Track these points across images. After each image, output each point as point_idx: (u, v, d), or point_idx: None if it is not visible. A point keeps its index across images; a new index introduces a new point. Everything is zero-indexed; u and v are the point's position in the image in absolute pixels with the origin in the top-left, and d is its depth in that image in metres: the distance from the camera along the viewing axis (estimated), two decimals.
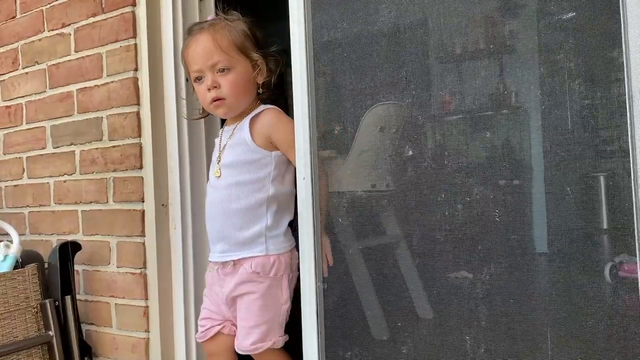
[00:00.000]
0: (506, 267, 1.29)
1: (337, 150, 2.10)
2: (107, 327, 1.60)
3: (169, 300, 1.53)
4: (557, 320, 1.23)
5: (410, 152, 1.44)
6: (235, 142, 1.29)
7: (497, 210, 1.27)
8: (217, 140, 1.40)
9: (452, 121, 1.41)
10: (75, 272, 1.60)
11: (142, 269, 1.53)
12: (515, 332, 1.30)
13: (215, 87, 1.26)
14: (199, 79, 1.30)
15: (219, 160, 1.32)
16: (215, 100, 1.27)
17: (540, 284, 1.32)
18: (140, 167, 1.54)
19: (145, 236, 1.53)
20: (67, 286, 1.54)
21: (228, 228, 1.28)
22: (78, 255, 1.60)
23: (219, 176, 1.31)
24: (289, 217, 1.35)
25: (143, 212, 1.54)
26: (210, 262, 1.36)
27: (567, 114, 1.18)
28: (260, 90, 1.31)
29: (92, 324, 1.64)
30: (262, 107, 1.31)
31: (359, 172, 2.19)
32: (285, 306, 1.30)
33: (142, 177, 1.54)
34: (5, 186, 1.91)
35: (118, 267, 1.58)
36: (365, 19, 1.49)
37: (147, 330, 1.53)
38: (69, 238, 1.67)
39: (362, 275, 2.30)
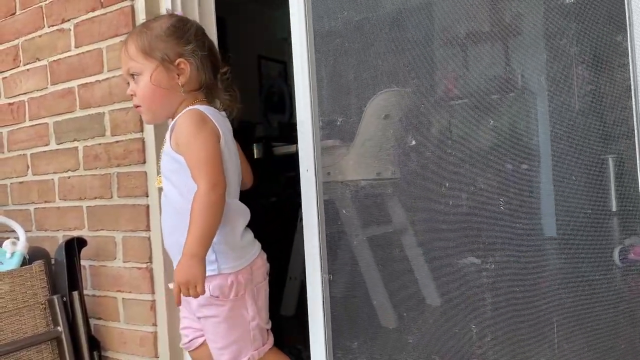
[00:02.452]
0: (514, 252, 1.28)
1: (341, 140, 2.08)
2: (115, 321, 1.61)
3: None
4: (565, 304, 1.22)
5: (414, 141, 1.43)
6: (165, 147, 1.19)
7: (503, 196, 1.26)
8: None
9: (456, 107, 1.39)
10: (81, 268, 1.61)
11: (148, 263, 1.53)
12: (523, 318, 1.29)
13: (132, 94, 1.19)
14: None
15: (159, 169, 1.22)
16: (136, 107, 1.20)
17: (548, 268, 1.31)
18: (144, 162, 1.54)
19: (150, 230, 1.53)
20: (74, 282, 1.54)
21: (174, 245, 1.18)
22: (84, 251, 1.61)
23: (160, 184, 1.21)
24: (239, 228, 1.21)
25: (147, 206, 1.54)
26: None
27: (574, 98, 1.17)
28: (182, 90, 1.16)
29: (100, 318, 1.65)
30: (186, 109, 1.16)
31: (363, 161, 2.18)
32: (254, 322, 1.21)
33: (145, 172, 1.54)
34: (11, 183, 1.91)
35: (124, 262, 1.58)
36: (366, 6, 1.47)
37: (155, 324, 1.53)
38: (75, 234, 1.67)
39: (368, 264, 2.30)
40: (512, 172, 1.26)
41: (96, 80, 1.64)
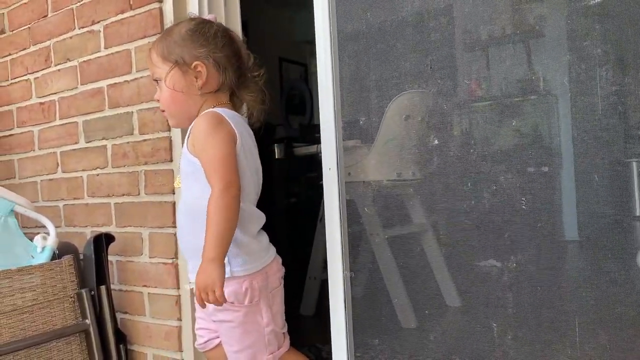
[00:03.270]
0: (535, 253, 1.29)
1: (362, 140, 2.10)
2: (141, 315, 1.65)
3: None
4: (586, 306, 1.22)
5: (436, 141, 1.44)
6: (183, 150, 1.20)
7: (525, 196, 1.27)
8: None
9: (478, 109, 1.41)
10: (109, 263, 1.65)
11: (174, 259, 1.57)
12: (544, 318, 1.30)
13: (158, 99, 1.22)
14: None
15: (178, 170, 1.24)
16: (162, 112, 1.23)
17: (570, 270, 1.31)
18: (171, 160, 1.58)
19: (176, 227, 1.56)
20: (102, 276, 1.59)
21: (188, 245, 1.21)
22: (111, 247, 1.65)
23: (179, 186, 1.23)
24: (253, 231, 1.20)
25: (174, 203, 1.57)
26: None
27: (597, 100, 1.17)
28: (199, 92, 1.17)
29: (126, 312, 1.69)
30: (202, 114, 1.17)
31: (385, 161, 2.19)
32: (268, 328, 1.20)
33: (172, 170, 1.58)
34: (41, 180, 1.97)
35: (150, 258, 1.62)
36: (390, 8, 1.49)
37: (179, 319, 1.57)
38: (103, 230, 1.72)
39: (389, 264, 2.31)
40: (534, 174, 1.27)
41: (125, 81, 1.68)
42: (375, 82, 1.61)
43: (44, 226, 1.61)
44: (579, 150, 1.23)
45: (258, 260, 1.19)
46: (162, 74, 1.17)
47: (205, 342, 1.29)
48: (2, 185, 1.68)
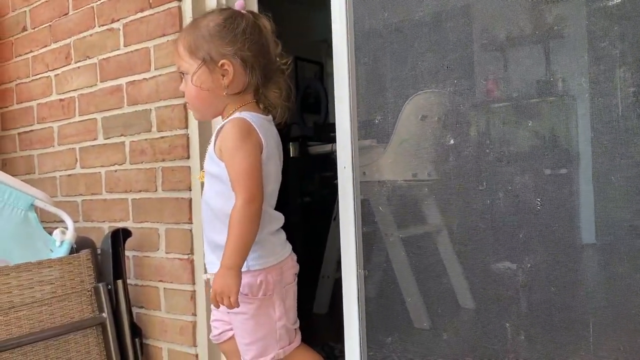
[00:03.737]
0: (551, 255, 1.28)
1: (378, 139, 2.10)
2: (157, 310, 1.67)
3: None
4: (601, 309, 1.21)
5: (452, 141, 1.44)
6: (209, 149, 1.19)
7: (541, 199, 1.26)
8: None
9: (495, 109, 1.40)
10: (125, 258, 1.67)
11: (190, 255, 1.59)
12: (558, 320, 1.29)
13: (184, 92, 1.22)
14: None
15: (203, 166, 1.24)
16: (186, 104, 1.25)
17: (585, 273, 1.30)
18: (188, 157, 1.60)
19: (192, 223, 1.58)
20: (119, 271, 1.61)
21: (205, 238, 1.23)
22: (128, 242, 1.67)
23: (202, 180, 1.23)
24: (271, 230, 1.22)
25: (190, 200, 1.59)
26: None
27: (616, 101, 1.16)
28: (225, 93, 1.15)
29: (142, 307, 1.71)
30: (234, 115, 1.16)
31: (400, 161, 2.19)
32: (280, 322, 1.22)
33: (189, 167, 1.59)
34: (60, 176, 2.00)
35: (166, 253, 1.64)
36: (407, 7, 1.49)
37: (194, 314, 1.58)
38: (120, 225, 1.74)
39: (402, 263, 2.31)
40: (550, 176, 1.26)
41: (143, 78, 1.70)
42: (392, 81, 1.61)
43: (62, 221, 1.63)
44: (597, 152, 1.22)
45: (274, 255, 1.21)
46: (189, 68, 1.16)
47: (220, 334, 1.31)
48: (23, 180, 1.71)
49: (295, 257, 1.31)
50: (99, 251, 1.65)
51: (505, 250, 1.44)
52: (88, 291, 1.55)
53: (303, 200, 3.57)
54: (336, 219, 2.89)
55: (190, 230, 1.59)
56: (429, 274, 2.26)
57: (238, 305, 1.10)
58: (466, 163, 1.42)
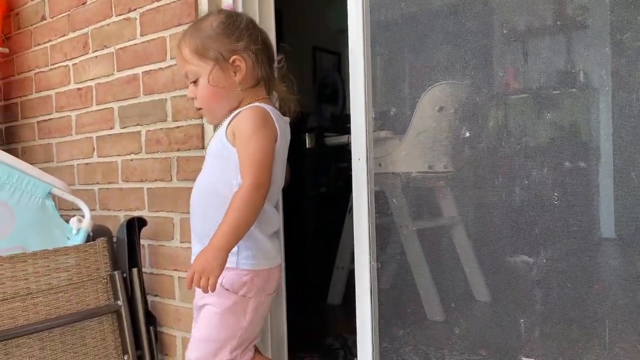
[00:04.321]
0: (567, 250, 1.26)
1: (394, 131, 2.08)
2: (171, 298, 1.68)
3: None
4: (618, 306, 1.19)
5: (469, 133, 1.42)
6: (217, 134, 1.20)
7: (558, 193, 1.24)
8: None
9: (513, 101, 1.38)
10: (141, 246, 1.69)
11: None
12: (573, 317, 1.27)
13: (193, 97, 1.20)
14: None
15: (207, 149, 1.25)
16: (199, 109, 1.22)
17: (603, 269, 1.28)
18: (202, 147, 1.60)
19: None
20: (134, 259, 1.62)
21: (195, 224, 1.21)
22: (144, 231, 1.69)
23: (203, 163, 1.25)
24: (268, 231, 1.19)
25: None
26: None
27: (638, 95, 1.13)
28: (239, 88, 1.16)
29: (156, 295, 1.73)
30: (252, 104, 1.16)
31: (416, 152, 2.17)
32: (244, 330, 1.17)
33: (203, 157, 1.59)
34: (77, 164, 2.02)
35: (181, 242, 1.65)
36: None
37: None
38: (136, 214, 1.76)
39: (417, 256, 2.30)
40: (569, 170, 1.24)
41: (159, 68, 1.71)
42: (409, 72, 1.60)
43: (79, 209, 1.65)
44: (617, 146, 1.20)
45: (266, 259, 1.18)
46: (200, 71, 1.15)
47: None
48: (41, 168, 1.73)
49: (281, 271, 1.30)
50: (114, 239, 1.66)
51: (521, 244, 1.42)
52: (104, 279, 1.56)
53: (319, 191, 3.57)
54: (351, 211, 2.89)
55: None
56: (443, 266, 2.25)
57: (214, 289, 1.05)
58: (483, 155, 1.40)
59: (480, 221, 1.77)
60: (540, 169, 1.26)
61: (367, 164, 1.37)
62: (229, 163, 1.12)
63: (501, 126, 1.43)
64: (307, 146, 3.03)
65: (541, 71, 1.32)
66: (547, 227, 1.28)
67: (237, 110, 1.16)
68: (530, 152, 1.28)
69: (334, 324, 2.82)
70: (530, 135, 1.30)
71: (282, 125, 1.18)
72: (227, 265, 1.09)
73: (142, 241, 1.70)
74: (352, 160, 1.40)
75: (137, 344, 1.57)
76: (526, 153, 1.29)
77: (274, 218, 1.22)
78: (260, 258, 1.16)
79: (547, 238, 1.29)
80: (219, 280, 1.10)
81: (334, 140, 3.02)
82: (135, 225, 1.65)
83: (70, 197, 1.66)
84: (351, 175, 1.54)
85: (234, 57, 1.14)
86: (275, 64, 1.26)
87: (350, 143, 1.52)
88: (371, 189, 1.37)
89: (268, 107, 1.16)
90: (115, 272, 1.57)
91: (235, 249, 1.11)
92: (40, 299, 1.43)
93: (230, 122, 1.15)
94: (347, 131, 2.83)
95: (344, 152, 2.83)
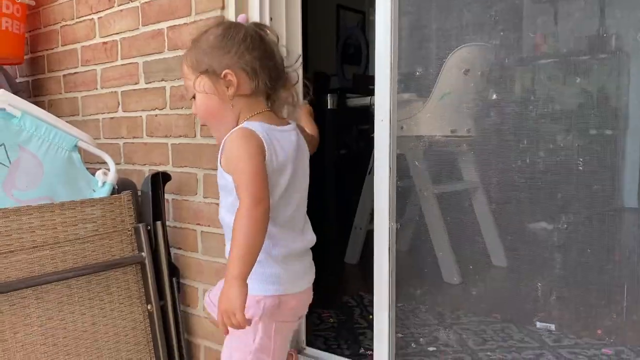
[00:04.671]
0: (588, 217, 1.26)
1: (418, 93, 2.06)
2: (194, 252, 1.73)
3: None
4: (637, 273, 1.19)
5: (495, 96, 1.40)
6: (218, 164, 1.14)
7: (583, 159, 1.23)
8: None
9: (542, 65, 1.35)
10: (165, 201, 1.72)
11: None
12: (591, 282, 1.28)
13: (196, 114, 1.18)
14: None
15: None
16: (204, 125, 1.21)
17: (625, 237, 1.28)
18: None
19: None
20: (158, 213, 1.66)
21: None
22: (168, 185, 1.72)
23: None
24: (276, 254, 1.12)
25: None
26: None
27: None
28: (232, 103, 1.11)
29: (180, 248, 1.77)
30: (233, 130, 1.10)
31: (439, 115, 2.15)
32: (251, 355, 1.11)
33: None
34: (103, 118, 2.05)
35: (204, 198, 1.68)
36: None
37: None
38: (160, 169, 1.78)
39: (436, 218, 2.31)
40: (595, 136, 1.23)
41: (184, 23, 1.70)
42: (435, 32, 1.57)
43: (104, 162, 1.68)
44: None
45: (274, 284, 1.11)
46: (195, 87, 1.12)
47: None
48: (67, 122, 1.75)
49: (307, 300, 1.22)
50: (139, 193, 1.70)
51: (542, 209, 1.42)
52: (128, 231, 1.60)
53: (339, 153, 3.57)
54: (371, 172, 2.90)
55: None
56: (462, 230, 2.26)
57: (244, 325, 0.97)
58: (508, 119, 1.39)
59: (502, 186, 1.76)
60: (566, 134, 1.24)
61: (390, 126, 1.37)
62: (233, 191, 1.07)
63: (528, 90, 1.40)
64: (329, 107, 3.01)
65: (572, 34, 1.29)
66: (570, 192, 1.27)
67: (229, 134, 1.10)
68: (557, 116, 1.27)
69: (350, 282, 2.87)
70: (557, 100, 1.28)
71: (276, 139, 1.10)
72: None
73: (166, 195, 1.73)
74: (375, 122, 1.39)
75: (160, 295, 1.62)
76: (553, 118, 1.27)
77: (285, 240, 1.13)
78: (268, 283, 1.10)
79: (569, 204, 1.28)
80: None
81: (356, 101, 3.00)
82: (159, 180, 1.67)
83: (96, 151, 1.69)
84: (372, 137, 1.54)
85: (225, 71, 1.09)
86: (292, 66, 1.19)
87: (372, 104, 1.51)
88: (393, 150, 1.36)
89: (256, 125, 1.09)
90: (140, 225, 1.60)
91: None
92: (67, 248, 1.47)
93: (221, 151, 1.10)
94: (370, 93, 2.81)
95: (366, 113, 2.82)
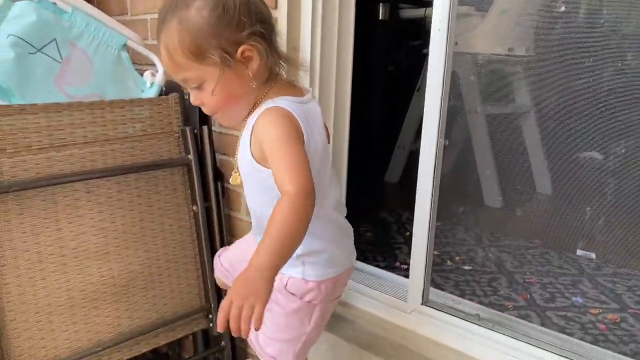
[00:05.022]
0: None
1: (476, 7, 1.95)
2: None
3: None
4: None
5: (564, 8, 1.31)
6: (242, 149, 0.99)
7: None
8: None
9: None
10: None
11: None
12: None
13: (202, 104, 0.99)
14: None
15: (237, 166, 1.05)
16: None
17: None
18: (275, 7, 1.56)
19: None
20: (204, 117, 1.67)
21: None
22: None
23: (240, 184, 1.06)
24: (331, 238, 1.06)
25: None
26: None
27: None
28: (253, 84, 0.96)
29: (224, 154, 1.79)
30: (269, 103, 0.95)
31: (497, 32, 2.04)
32: (308, 335, 1.09)
33: (276, 18, 1.56)
34: (151, 18, 2.02)
35: None
36: None
37: None
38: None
39: (483, 140, 2.26)
40: None
41: None
42: None
43: (153, 63, 1.68)
44: None
45: (333, 267, 1.07)
46: (202, 77, 0.94)
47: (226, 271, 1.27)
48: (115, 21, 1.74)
49: (352, 270, 1.20)
50: (186, 96, 1.70)
51: (599, 135, 1.36)
52: (175, 133, 1.62)
53: (387, 69, 3.47)
54: (420, 90, 2.82)
55: None
56: (508, 154, 2.20)
57: (259, 324, 0.79)
58: (574, 34, 1.30)
59: (557, 110, 1.69)
60: (637, 52, 1.16)
61: (447, 37, 1.30)
62: (270, 186, 0.92)
63: (597, 6, 1.30)
64: (380, 18, 2.90)
65: None
66: (633, 117, 1.20)
67: (254, 116, 0.96)
68: (631, 33, 1.18)
69: (390, 200, 2.89)
70: (633, 16, 1.19)
71: (306, 114, 0.97)
72: (294, 275, 1.02)
73: None
74: (432, 32, 1.33)
75: (205, 197, 1.66)
76: (625, 34, 1.19)
77: (337, 220, 1.09)
78: (327, 267, 1.06)
79: (629, 129, 1.22)
80: (283, 282, 1.02)
81: (409, 12, 2.86)
82: None
83: (144, 51, 1.69)
84: (423, 53, 1.47)
85: (241, 48, 0.91)
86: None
87: (427, 17, 1.44)
88: (448, 63, 1.31)
89: (284, 103, 0.94)
90: (187, 128, 1.62)
91: (300, 261, 1.02)
92: (117, 145, 1.50)
93: (250, 137, 0.95)
94: (425, 4, 2.68)
95: (419, 27, 2.70)
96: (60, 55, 1.55)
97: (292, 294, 1.04)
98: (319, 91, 1.58)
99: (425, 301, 1.46)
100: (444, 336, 1.39)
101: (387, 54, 3.43)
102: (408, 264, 1.50)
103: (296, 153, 0.89)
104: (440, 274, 1.96)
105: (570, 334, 1.34)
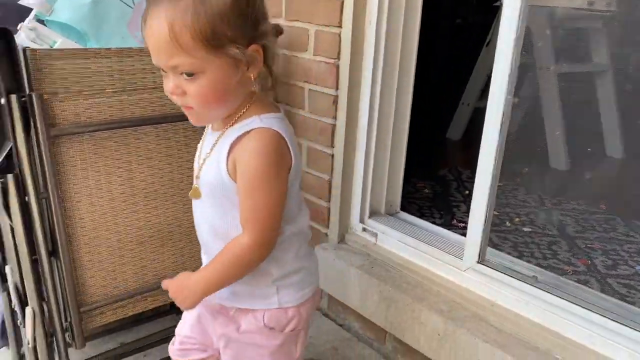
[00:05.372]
0: None
1: None
2: (300, 109, 1.76)
3: (357, 92, 1.61)
4: None
5: None
6: (213, 160, 0.91)
7: None
8: (199, 145, 1.01)
9: None
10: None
11: (336, 60, 1.60)
12: None
13: (179, 93, 0.85)
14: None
15: (198, 176, 0.95)
16: (186, 108, 0.88)
17: None
18: None
19: (341, 28, 1.57)
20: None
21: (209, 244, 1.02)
22: (279, 39, 1.71)
23: (199, 197, 0.96)
24: (303, 252, 1.00)
25: (342, 2, 1.55)
26: None
27: None
28: (254, 88, 0.89)
29: (287, 104, 1.81)
30: (256, 121, 0.86)
31: None
32: None
33: None
34: None
35: (314, 55, 1.67)
36: None
37: (334, 117, 1.65)
38: (273, 22, 1.77)
39: (553, 99, 2.17)
40: None
41: None
42: None
43: None
44: None
45: (310, 285, 1.02)
46: (203, 66, 0.81)
47: (185, 350, 1.12)
48: None
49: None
50: None
51: None
52: None
53: (454, 23, 3.36)
54: (489, 44, 2.72)
55: (339, 35, 1.57)
56: (579, 115, 2.11)
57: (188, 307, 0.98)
58: None
59: (636, 71, 1.60)
60: None
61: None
62: (228, 202, 0.90)
63: None
64: None
65: None
66: None
67: (237, 130, 0.87)
68: None
69: (450, 157, 2.85)
70: None
71: (292, 136, 0.90)
72: (269, 307, 0.98)
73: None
74: None
75: None
76: None
77: (305, 238, 1.02)
78: (304, 286, 1.01)
79: None
80: (263, 321, 0.98)
81: None
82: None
83: None
84: (493, 6, 1.41)
85: (252, 46, 0.83)
86: None
87: None
88: (523, 16, 1.25)
89: (278, 123, 0.87)
90: None
91: (273, 289, 0.97)
92: (162, 94, 1.53)
93: (229, 151, 0.87)
94: None
95: None
96: (133, 0, 1.58)
97: (272, 328, 0.99)
98: (384, 44, 1.56)
99: (481, 260, 1.45)
100: (499, 296, 1.39)
101: (455, 7, 3.31)
102: (465, 222, 1.49)
103: (271, 197, 0.86)
104: (499, 234, 1.94)
105: (631, 303, 1.31)
